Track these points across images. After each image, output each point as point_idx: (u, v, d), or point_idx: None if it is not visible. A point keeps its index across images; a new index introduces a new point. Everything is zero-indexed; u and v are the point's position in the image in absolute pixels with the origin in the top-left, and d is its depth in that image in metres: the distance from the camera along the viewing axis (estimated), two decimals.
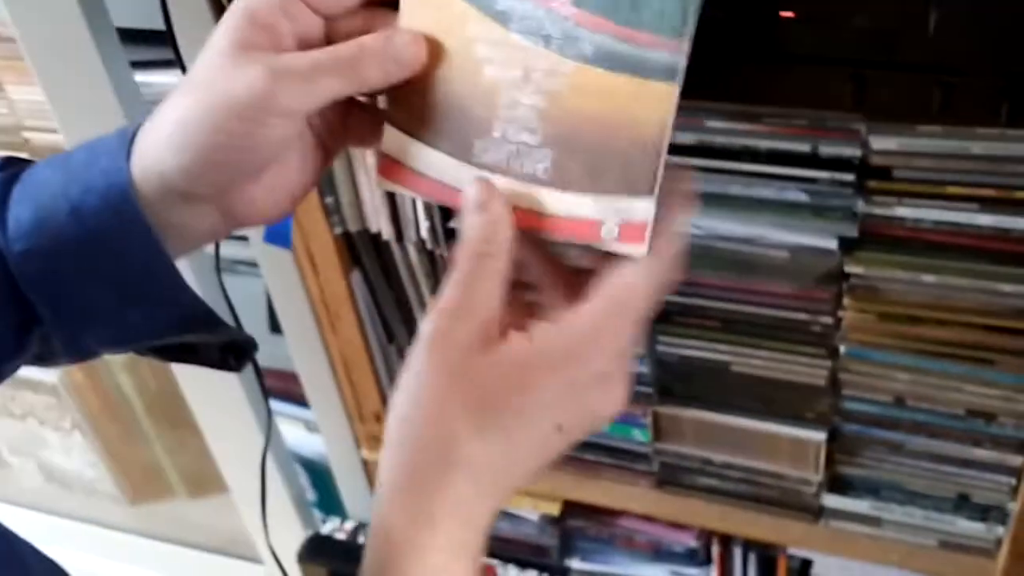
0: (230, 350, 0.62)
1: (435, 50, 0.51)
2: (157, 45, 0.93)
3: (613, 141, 0.49)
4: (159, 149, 0.51)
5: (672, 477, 1.10)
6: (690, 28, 0.48)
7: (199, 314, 0.56)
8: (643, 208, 0.49)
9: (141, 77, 0.97)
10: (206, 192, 0.52)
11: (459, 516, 0.47)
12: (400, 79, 0.51)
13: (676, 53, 0.48)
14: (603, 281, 0.49)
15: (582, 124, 0.50)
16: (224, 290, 0.85)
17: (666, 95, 0.48)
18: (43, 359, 0.58)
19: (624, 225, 0.50)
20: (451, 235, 0.95)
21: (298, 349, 1.16)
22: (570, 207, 0.50)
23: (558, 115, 0.50)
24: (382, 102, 0.54)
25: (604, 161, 0.50)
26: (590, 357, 0.47)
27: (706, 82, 0.68)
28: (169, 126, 0.51)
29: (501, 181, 0.51)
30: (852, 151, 0.76)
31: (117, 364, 1.56)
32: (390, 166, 0.53)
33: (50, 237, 0.52)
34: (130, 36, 0.95)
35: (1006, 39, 0.57)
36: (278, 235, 0.71)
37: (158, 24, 0.82)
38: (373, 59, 0.50)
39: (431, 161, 0.52)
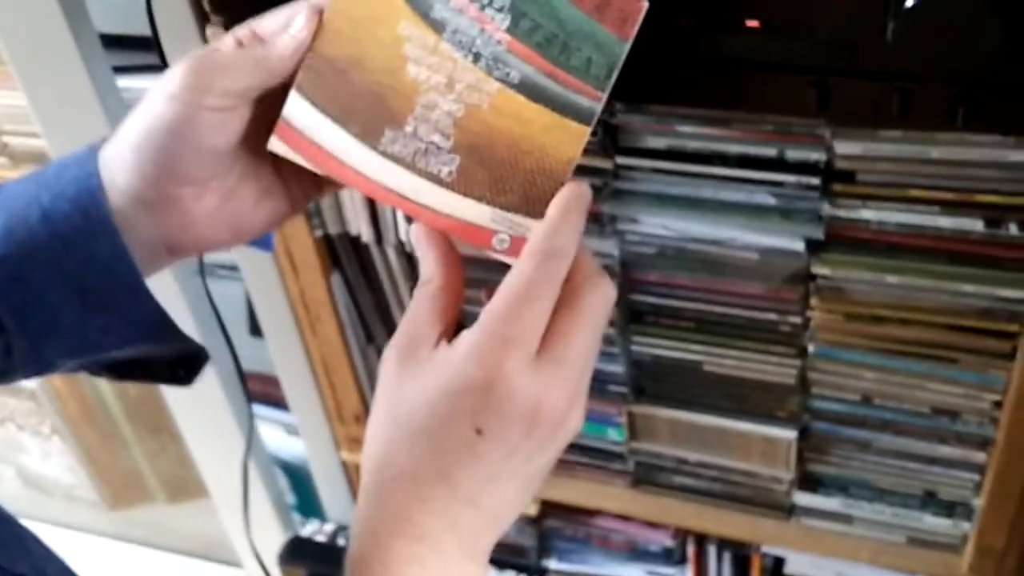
0: (180, 364, 0.63)
1: (361, 36, 0.53)
2: (140, 50, 0.94)
3: (521, 163, 0.53)
4: (110, 148, 0.55)
5: (647, 476, 1.11)
6: (612, 81, 0.51)
7: (158, 321, 0.58)
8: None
9: (125, 82, 0.98)
10: (149, 192, 0.54)
11: (395, 516, 0.48)
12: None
13: (596, 101, 0.52)
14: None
15: (495, 140, 0.53)
16: (209, 294, 0.86)
17: (579, 135, 0.52)
18: (3, 375, 0.60)
19: (516, 239, 0.53)
20: None
21: (278, 352, 1.17)
22: (467, 212, 0.53)
23: (473, 127, 0.53)
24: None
25: (509, 179, 0.53)
26: (493, 350, 0.47)
27: (676, 89, 0.70)
28: (120, 128, 0.55)
29: (405, 174, 0.54)
30: (817, 155, 0.78)
31: None
32: (288, 132, 0.54)
33: (19, 243, 0.54)
34: (113, 42, 0.96)
35: (961, 47, 0.59)
36: (260, 239, 0.72)
37: (141, 30, 0.83)
38: (283, 49, 0.54)
39: (333, 138, 0.54)
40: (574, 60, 0.52)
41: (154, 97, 0.53)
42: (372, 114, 0.54)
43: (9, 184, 0.57)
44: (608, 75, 0.52)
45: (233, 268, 1.14)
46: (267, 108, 0.55)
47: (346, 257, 1.05)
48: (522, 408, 0.47)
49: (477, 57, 0.52)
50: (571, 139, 0.52)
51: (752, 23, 0.63)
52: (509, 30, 0.52)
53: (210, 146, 0.54)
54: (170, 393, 1.26)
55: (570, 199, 0.51)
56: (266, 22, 0.55)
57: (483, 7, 0.52)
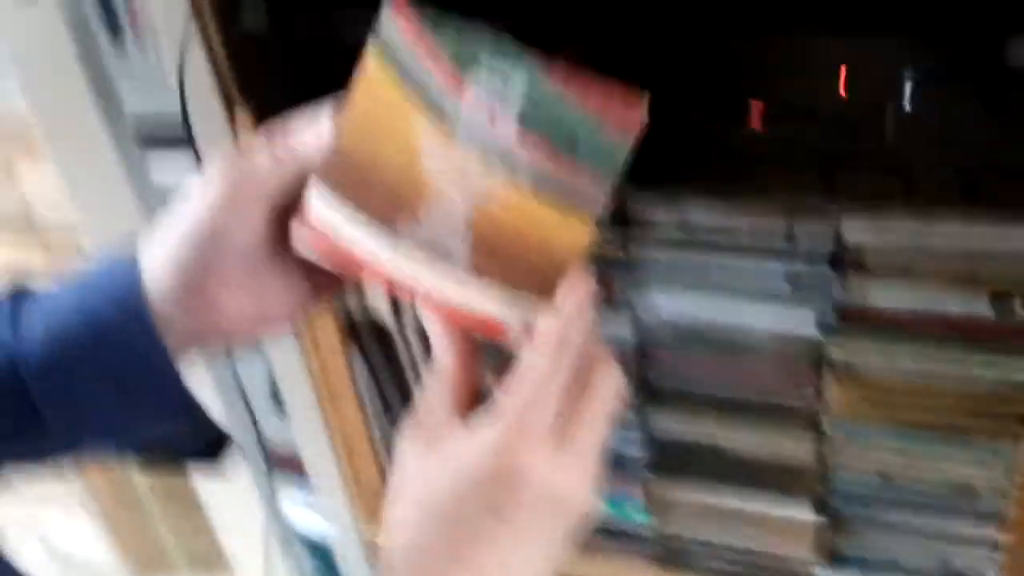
0: (206, 446, 0.65)
1: (376, 132, 0.55)
2: (171, 132, 0.97)
3: (531, 256, 0.54)
4: (149, 248, 0.57)
5: (671, 556, 1.11)
6: (618, 176, 0.53)
7: (187, 404, 0.60)
8: None
9: (154, 163, 1.01)
10: (183, 289, 0.56)
11: None
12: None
13: (603, 195, 0.53)
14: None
15: (505, 233, 0.54)
16: (235, 370, 0.88)
17: (587, 227, 0.54)
18: (38, 455, 0.62)
19: (530, 329, 0.54)
20: None
21: (300, 427, 1.18)
22: (482, 303, 0.54)
23: (484, 220, 0.54)
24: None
25: (521, 271, 0.54)
26: (511, 441, 0.49)
27: (687, 174, 0.72)
28: (159, 226, 0.57)
29: (419, 267, 0.55)
30: (827, 240, 0.79)
31: None
32: (309, 229, 0.55)
33: (60, 340, 0.57)
34: (144, 122, 1.00)
35: (959, 137, 0.60)
36: None
37: (171, 109, 0.86)
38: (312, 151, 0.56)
39: (351, 232, 0.55)
40: (580, 157, 0.53)
41: (195, 204, 0.56)
42: (388, 208, 0.55)
43: (53, 290, 0.60)
44: (614, 170, 0.53)
45: (257, 345, 1.16)
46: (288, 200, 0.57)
47: (366, 335, 1.06)
48: (538, 495, 0.49)
49: (487, 154, 0.54)
50: (580, 232, 0.54)
51: (759, 116, 0.65)
52: (518, 126, 0.53)
53: (247, 251, 0.56)
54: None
55: (578, 292, 0.53)
56: (296, 125, 0.58)
57: (494, 106, 0.53)
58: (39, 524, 1.77)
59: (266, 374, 1.19)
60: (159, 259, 0.57)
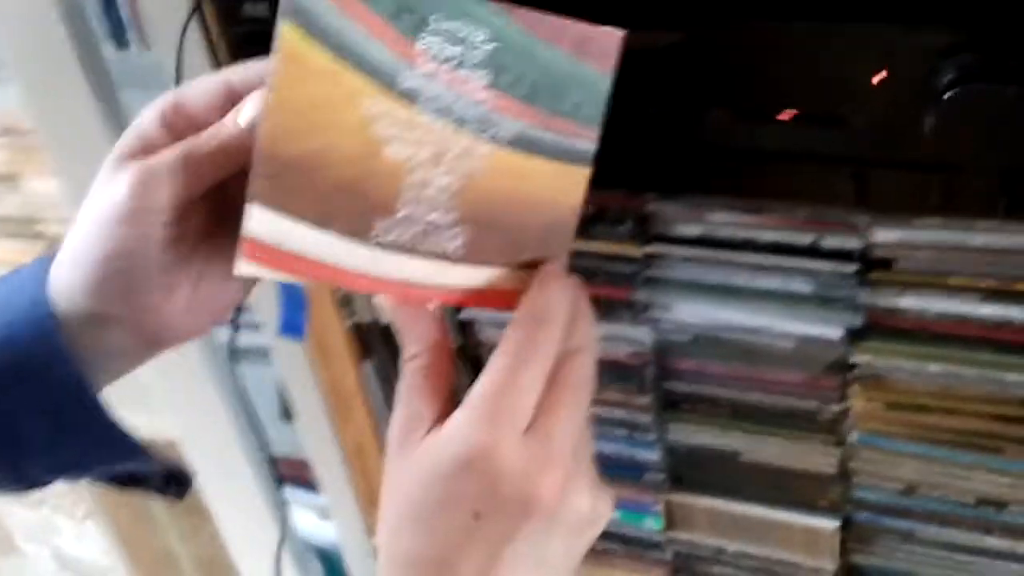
0: (173, 479, 0.63)
1: (320, 126, 0.47)
2: None
3: (530, 219, 0.51)
4: (64, 271, 0.53)
5: (686, 566, 1.09)
6: (601, 113, 0.50)
7: (132, 446, 0.57)
8: None
9: None
10: (114, 310, 0.53)
11: None
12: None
13: (591, 141, 0.50)
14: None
15: (498, 202, 0.50)
16: (239, 379, 0.86)
17: (580, 178, 0.51)
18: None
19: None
20: (459, 327, 0.97)
21: (310, 437, 1.17)
22: (487, 280, 0.51)
23: (472, 194, 0.50)
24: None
25: (522, 237, 0.51)
26: (478, 428, 0.46)
27: (712, 179, 0.70)
28: (68, 247, 0.53)
29: (408, 260, 0.50)
30: (854, 243, 0.77)
31: None
32: (258, 249, 0.48)
33: None
34: None
35: (1000, 138, 0.58)
36: (292, 328, 0.71)
37: None
38: (229, 142, 0.51)
39: (316, 243, 0.48)
40: (564, 105, 0.49)
41: (102, 217, 0.51)
42: (355, 208, 0.48)
43: None
44: (598, 112, 0.50)
45: (264, 353, 1.15)
46: (217, 188, 0.53)
47: (377, 345, 1.06)
48: (513, 487, 0.46)
49: (461, 122, 0.48)
50: (575, 184, 0.51)
51: (789, 114, 0.63)
52: (490, 87, 0.48)
53: (171, 256, 0.52)
54: (202, 475, 1.26)
55: (556, 279, 0.50)
56: (191, 98, 0.53)
57: (457, 67, 0.47)
58: (49, 530, 1.77)
59: (274, 383, 1.18)
60: (77, 281, 0.53)
